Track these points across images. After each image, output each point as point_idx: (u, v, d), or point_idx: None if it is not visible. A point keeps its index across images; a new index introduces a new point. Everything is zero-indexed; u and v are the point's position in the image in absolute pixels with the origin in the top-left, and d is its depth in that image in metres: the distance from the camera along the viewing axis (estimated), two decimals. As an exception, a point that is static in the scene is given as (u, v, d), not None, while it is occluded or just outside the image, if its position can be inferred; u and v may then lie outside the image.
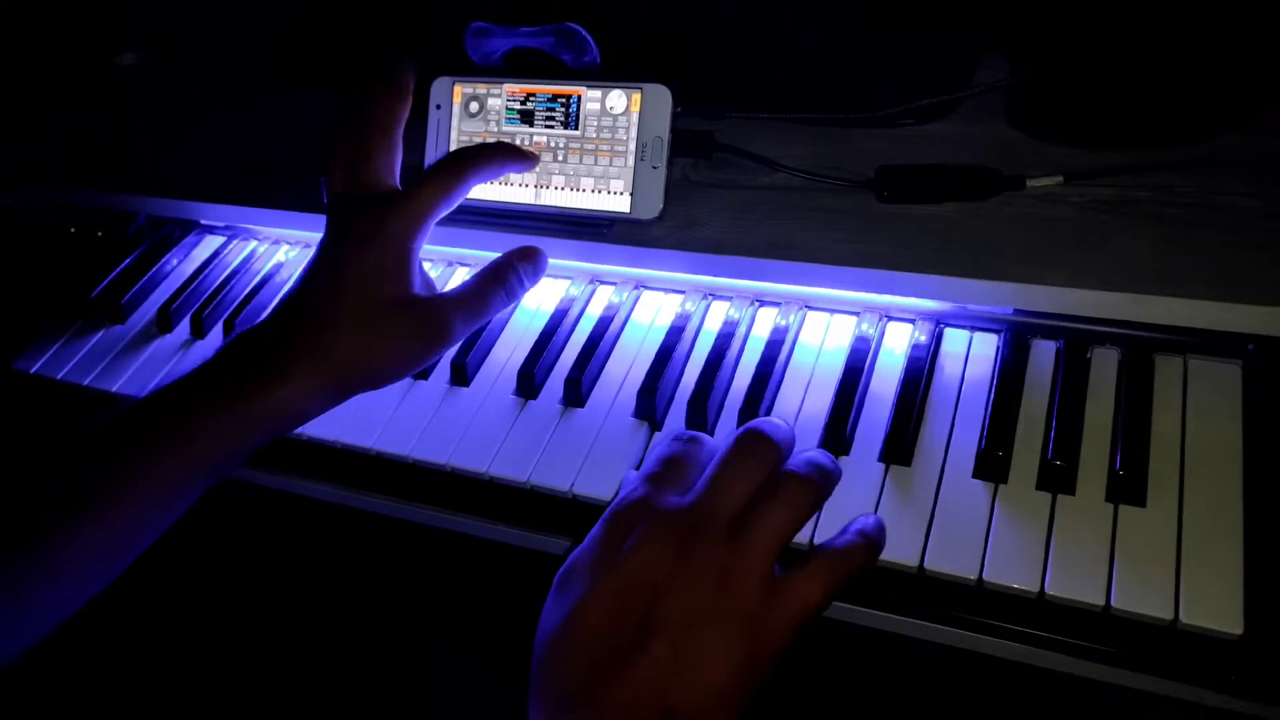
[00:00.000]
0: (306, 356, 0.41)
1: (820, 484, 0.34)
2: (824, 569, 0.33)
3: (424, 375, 0.52)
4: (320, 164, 0.46)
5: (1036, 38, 0.48)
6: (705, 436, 0.37)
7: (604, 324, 0.51)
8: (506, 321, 0.54)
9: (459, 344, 0.51)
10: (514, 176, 0.52)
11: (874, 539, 0.35)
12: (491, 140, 0.52)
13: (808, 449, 0.35)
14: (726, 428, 0.46)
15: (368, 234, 0.43)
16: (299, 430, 0.50)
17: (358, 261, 0.43)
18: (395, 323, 0.43)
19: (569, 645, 0.32)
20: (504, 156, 0.49)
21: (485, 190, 0.52)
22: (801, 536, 0.40)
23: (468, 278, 0.47)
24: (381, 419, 0.50)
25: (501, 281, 0.47)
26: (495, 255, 0.55)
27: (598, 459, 0.46)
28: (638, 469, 0.44)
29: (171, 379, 0.42)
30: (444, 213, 0.46)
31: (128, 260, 0.62)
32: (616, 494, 0.42)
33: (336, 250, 0.44)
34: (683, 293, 0.52)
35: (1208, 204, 0.44)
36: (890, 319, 0.49)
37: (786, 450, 0.35)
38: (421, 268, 0.45)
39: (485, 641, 0.63)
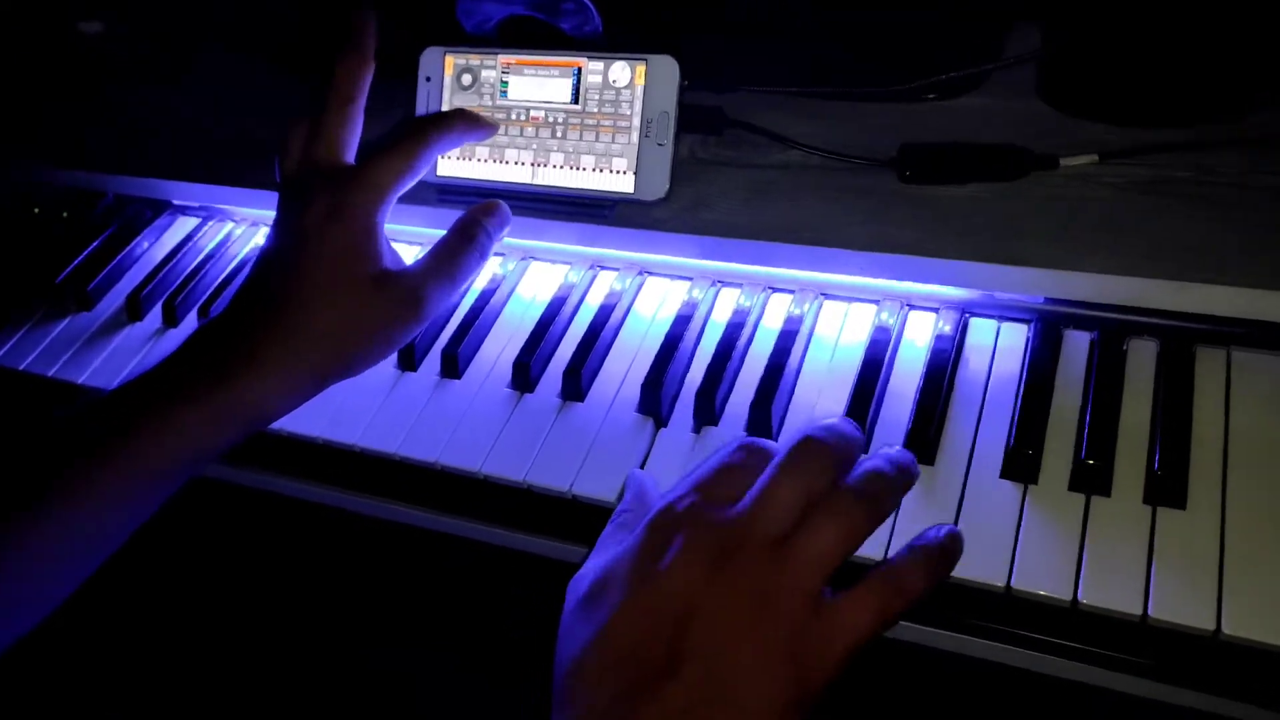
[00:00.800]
0: (276, 344, 0.39)
1: (882, 498, 0.31)
2: (877, 591, 0.30)
3: (412, 366, 0.49)
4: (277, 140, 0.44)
5: (1073, 5, 0.45)
6: (770, 444, 0.34)
7: (605, 312, 0.49)
8: (501, 309, 0.51)
9: (442, 323, 0.50)
10: (510, 154, 0.49)
11: (936, 556, 0.31)
12: (484, 112, 0.49)
13: (884, 449, 0.32)
14: (735, 424, 0.44)
15: (329, 211, 0.41)
16: (278, 425, 0.47)
17: (321, 240, 0.41)
18: (367, 301, 0.41)
19: (596, 665, 0.30)
20: (465, 124, 0.48)
21: (479, 169, 0.50)
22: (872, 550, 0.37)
23: (435, 243, 0.45)
24: (367, 414, 0.47)
25: (470, 239, 0.45)
26: None
27: (599, 457, 0.43)
28: (642, 467, 0.42)
29: (140, 372, 0.39)
30: (408, 185, 0.44)
31: (95, 243, 0.59)
32: (621, 496, 0.40)
33: (297, 229, 0.41)
34: (690, 279, 0.50)
35: (1251, 184, 0.42)
36: (912, 308, 0.47)
37: (848, 455, 0.32)
38: (389, 243, 0.43)
39: (474, 644, 0.61)
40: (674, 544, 0.31)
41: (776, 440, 0.43)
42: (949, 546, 0.32)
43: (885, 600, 0.30)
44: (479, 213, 0.46)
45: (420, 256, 0.44)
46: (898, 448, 0.33)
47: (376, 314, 0.41)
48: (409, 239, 0.56)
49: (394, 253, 0.44)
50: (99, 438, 0.37)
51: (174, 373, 0.39)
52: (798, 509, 0.31)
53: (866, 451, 0.37)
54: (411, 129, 0.45)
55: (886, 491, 0.31)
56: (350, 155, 0.44)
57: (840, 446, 0.32)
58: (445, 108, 0.50)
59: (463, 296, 0.52)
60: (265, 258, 0.42)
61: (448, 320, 0.51)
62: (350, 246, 0.41)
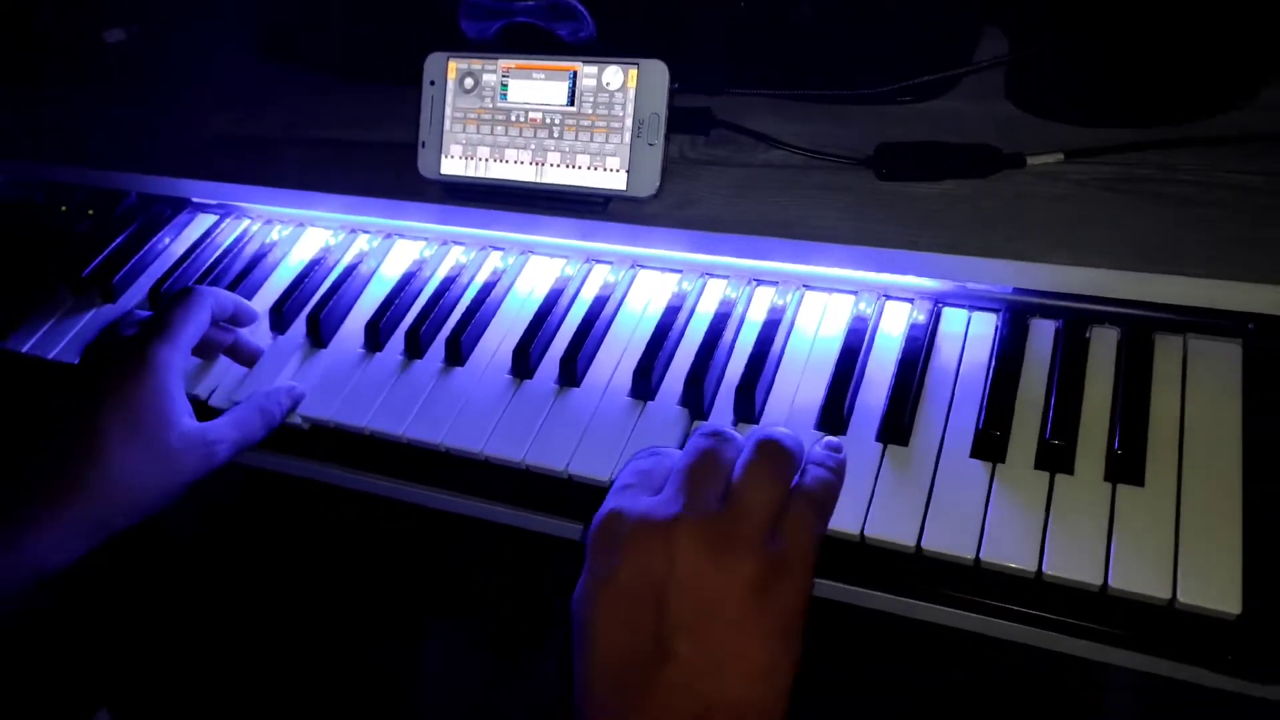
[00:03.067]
0: (59, 501, 0.39)
1: (790, 445, 0.35)
2: (806, 498, 0.34)
3: (419, 354, 0.51)
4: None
5: (1038, 13, 0.47)
6: (671, 450, 0.37)
7: (600, 303, 0.51)
8: (501, 301, 0.53)
9: (447, 313, 0.52)
10: (510, 153, 0.51)
11: (830, 457, 0.37)
12: (486, 115, 0.51)
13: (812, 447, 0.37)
14: (723, 407, 0.46)
15: (124, 362, 0.42)
16: (297, 410, 0.49)
17: (116, 392, 0.41)
18: (165, 459, 0.41)
19: (593, 679, 0.31)
20: (239, 301, 0.51)
21: (481, 169, 0.52)
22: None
23: (236, 405, 0.47)
24: (376, 398, 0.49)
25: (265, 412, 0.47)
26: (490, 234, 0.55)
27: (594, 439, 0.45)
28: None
29: None
30: (195, 339, 0.46)
31: (119, 239, 0.61)
32: (613, 481, 0.42)
33: (95, 384, 0.42)
34: (680, 271, 0.52)
35: (1210, 182, 0.44)
36: (888, 298, 0.48)
37: (742, 444, 0.35)
38: (181, 393, 0.44)
39: (481, 619, 0.63)
40: (617, 547, 0.32)
41: (760, 423, 0.45)
42: (831, 450, 0.38)
43: (813, 500, 0.34)
44: (280, 395, 0.48)
45: (219, 417, 0.45)
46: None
47: (167, 470, 0.41)
48: (415, 235, 0.58)
49: (184, 402, 0.44)
50: None
51: None
52: (720, 475, 0.33)
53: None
54: (191, 291, 0.46)
55: (790, 440, 0.35)
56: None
57: (734, 435, 0.36)
58: (448, 110, 0.52)
59: (461, 293, 0.54)
60: (54, 408, 0.42)
61: (451, 312, 0.53)
62: (146, 401, 0.41)
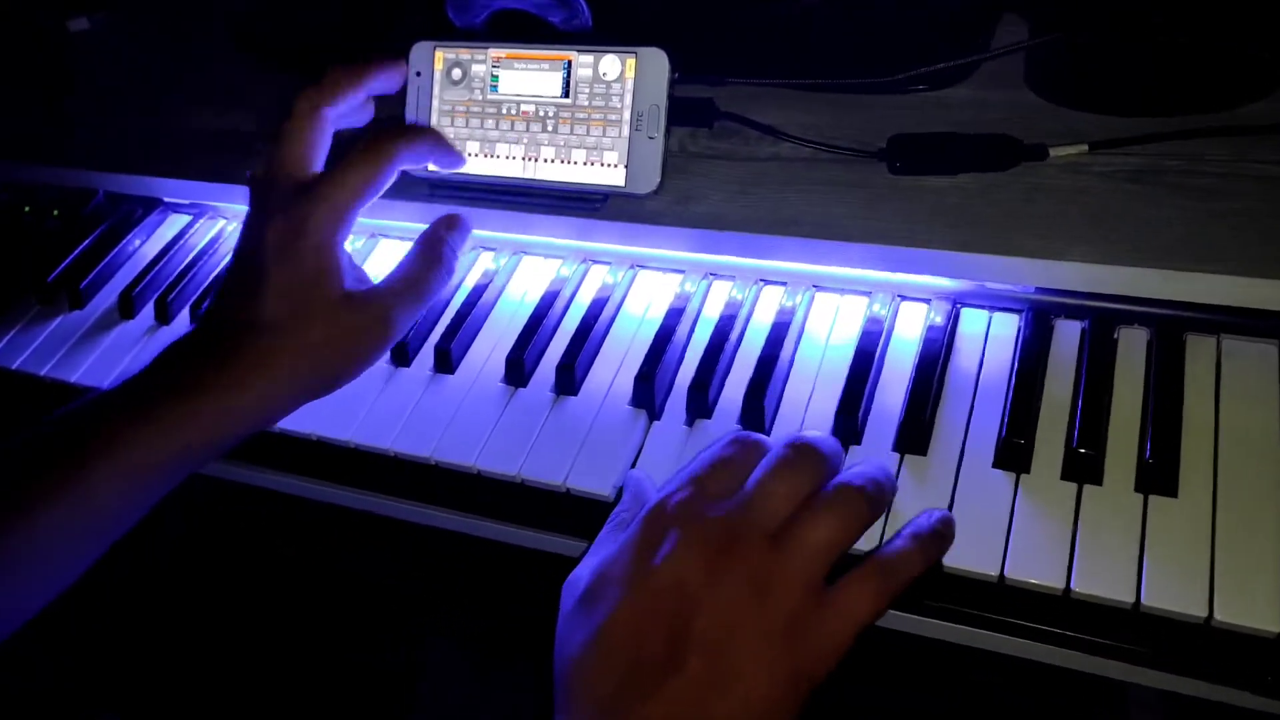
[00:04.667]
0: (248, 368, 0.39)
1: (875, 497, 0.32)
2: (874, 576, 0.31)
3: (405, 362, 0.49)
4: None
5: (1060, -4, 0.45)
6: (763, 439, 0.35)
7: (598, 306, 0.49)
8: (493, 304, 0.51)
9: (435, 318, 0.50)
10: (501, 148, 0.49)
11: (928, 539, 0.33)
12: (476, 108, 0.49)
13: (861, 463, 0.34)
14: (728, 417, 0.44)
15: (291, 232, 0.41)
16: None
17: (283, 259, 0.40)
18: (334, 322, 0.41)
19: (597, 663, 0.30)
20: (433, 142, 0.47)
21: (471, 164, 0.50)
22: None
23: (400, 261, 0.44)
24: (360, 410, 0.47)
25: (437, 259, 0.45)
26: (481, 233, 0.53)
27: (593, 450, 0.43)
28: (634, 466, 0.42)
29: (126, 376, 0.39)
30: (370, 200, 0.43)
31: (86, 241, 0.59)
32: (620, 492, 0.40)
33: (258, 247, 0.41)
34: (682, 272, 0.50)
35: (1241, 173, 0.42)
36: (904, 299, 0.47)
37: (837, 460, 0.34)
38: (350, 259, 0.43)
39: (474, 635, 0.62)
40: (669, 538, 0.31)
41: (770, 434, 0.43)
42: (941, 530, 0.34)
43: (882, 584, 0.31)
44: (441, 228, 0.46)
45: (388, 275, 0.43)
46: (882, 464, 0.34)
47: (345, 335, 0.41)
48: (399, 234, 0.56)
49: (356, 268, 0.43)
50: (76, 449, 0.36)
51: (138, 398, 0.38)
52: (794, 502, 0.32)
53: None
54: (377, 140, 0.43)
55: (878, 491, 0.33)
56: (317, 164, 0.44)
57: (831, 451, 0.33)
58: (435, 103, 0.50)
59: (454, 292, 0.52)
60: (231, 275, 0.42)
61: (440, 315, 0.51)
62: (313, 267, 0.40)
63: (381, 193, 0.44)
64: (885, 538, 0.36)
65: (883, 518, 0.37)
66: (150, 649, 0.68)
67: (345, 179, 0.42)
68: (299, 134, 0.43)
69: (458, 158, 0.48)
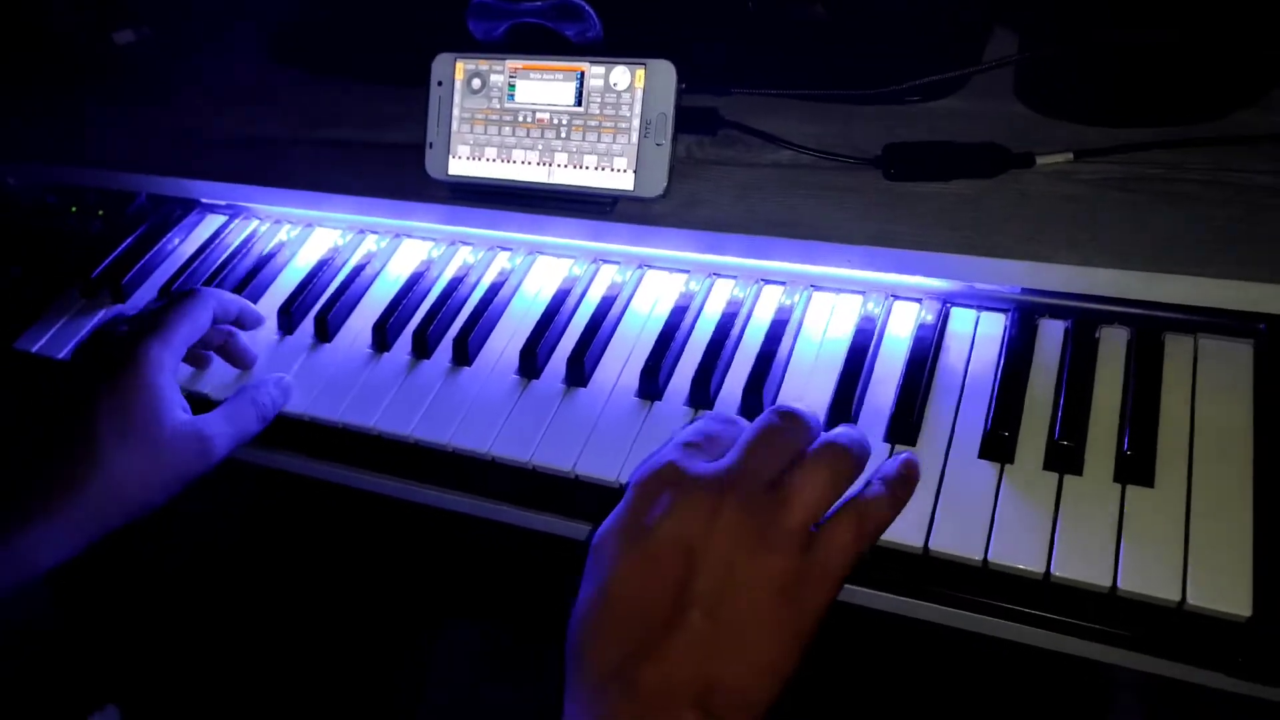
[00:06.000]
0: (54, 499, 0.39)
1: (858, 454, 0.34)
2: (854, 517, 0.32)
3: (426, 354, 0.51)
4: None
5: (1048, 12, 0.47)
6: (744, 420, 0.36)
7: (607, 303, 0.50)
8: (509, 301, 0.53)
9: (454, 313, 0.52)
10: (518, 154, 0.51)
11: (896, 480, 0.34)
12: (494, 115, 0.51)
13: (840, 427, 0.35)
14: (729, 408, 0.45)
15: (120, 361, 0.42)
16: (299, 409, 0.49)
17: (109, 394, 0.41)
18: (157, 453, 0.41)
19: (599, 625, 0.31)
20: (244, 304, 0.51)
21: (489, 169, 0.52)
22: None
23: (229, 399, 0.47)
24: (383, 398, 0.49)
25: (256, 404, 0.47)
26: (498, 234, 0.55)
27: (601, 439, 0.45)
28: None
29: None
30: (192, 339, 0.46)
31: (129, 240, 0.61)
32: (620, 483, 0.42)
33: (86, 381, 0.42)
34: (687, 272, 0.52)
35: (1220, 181, 0.43)
36: (896, 298, 0.48)
37: (815, 427, 0.35)
38: (174, 389, 0.44)
39: (489, 619, 0.63)
40: (663, 498, 0.32)
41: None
42: (905, 473, 0.35)
43: (862, 524, 0.32)
44: (270, 387, 0.48)
45: (211, 411, 0.45)
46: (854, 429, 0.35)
47: (163, 464, 0.41)
48: (423, 235, 0.58)
49: (180, 397, 0.44)
50: None
51: None
52: (780, 462, 0.33)
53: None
54: (194, 293, 0.47)
55: (860, 449, 0.34)
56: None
57: (809, 417, 0.34)
58: (456, 111, 0.52)
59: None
60: (47, 404, 0.43)
61: (459, 311, 0.53)
62: (136, 396, 0.41)
63: (201, 334, 0.46)
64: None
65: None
66: (152, 640, 0.68)
67: (168, 315, 0.44)
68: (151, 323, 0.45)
69: (259, 321, 0.52)
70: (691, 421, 0.44)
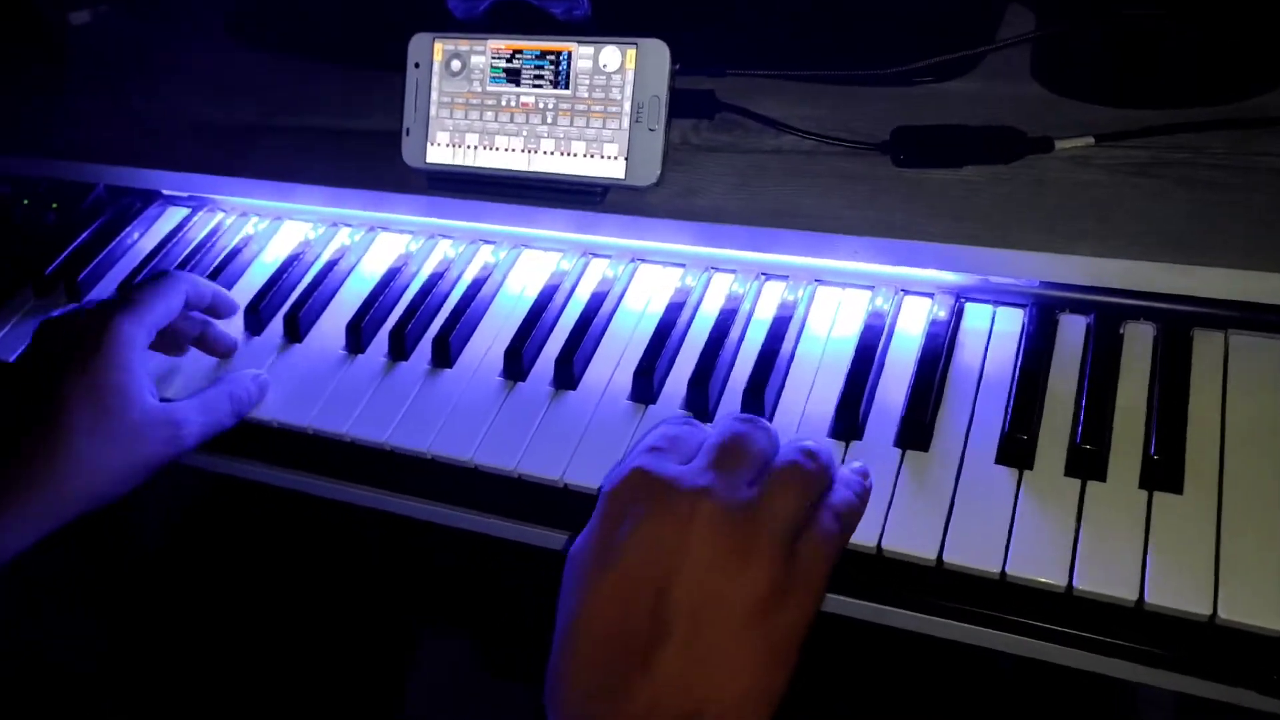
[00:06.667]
0: (18, 484, 0.38)
1: (824, 461, 0.34)
2: (832, 516, 0.33)
3: (403, 355, 0.49)
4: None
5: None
6: (701, 425, 0.36)
7: (597, 300, 0.48)
8: (492, 298, 0.51)
9: (434, 311, 0.50)
10: (500, 140, 0.49)
11: (854, 477, 0.36)
12: (475, 100, 0.49)
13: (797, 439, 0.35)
14: (730, 410, 0.43)
15: (90, 337, 0.41)
16: (267, 414, 0.47)
17: (78, 371, 0.40)
18: (127, 436, 0.40)
19: (576, 653, 0.30)
20: (217, 289, 0.49)
21: (469, 156, 0.50)
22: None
23: (203, 391, 0.45)
24: (357, 402, 0.47)
25: (231, 397, 0.46)
26: (480, 226, 0.53)
27: (591, 445, 0.43)
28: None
29: None
30: (162, 322, 0.45)
31: (85, 234, 0.59)
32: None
33: (54, 358, 0.41)
34: (683, 266, 0.50)
35: (1248, 166, 0.42)
36: (907, 293, 0.46)
37: (776, 439, 0.35)
38: (145, 371, 0.43)
39: (468, 631, 0.62)
40: (632, 511, 0.31)
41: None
42: (861, 471, 0.37)
43: (839, 524, 0.33)
44: (247, 380, 0.47)
45: (186, 399, 0.44)
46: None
47: (132, 449, 0.40)
48: (400, 228, 0.56)
49: (150, 384, 0.43)
50: None
51: None
52: (752, 469, 0.32)
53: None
54: (166, 274, 0.46)
55: (825, 455, 0.34)
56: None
57: (770, 426, 0.35)
58: (435, 94, 0.50)
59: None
60: (12, 386, 0.42)
61: (439, 309, 0.50)
62: (107, 376, 0.40)
63: (173, 317, 0.45)
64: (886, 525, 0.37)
65: None
66: (146, 642, 0.68)
67: (140, 294, 0.43)
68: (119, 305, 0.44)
69: (232, 309, 0.50)
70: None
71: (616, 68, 0.46)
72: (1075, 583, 0.35)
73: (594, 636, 0.29)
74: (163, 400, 0.43)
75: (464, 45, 0.49)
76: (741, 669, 0.29)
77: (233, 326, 0.52)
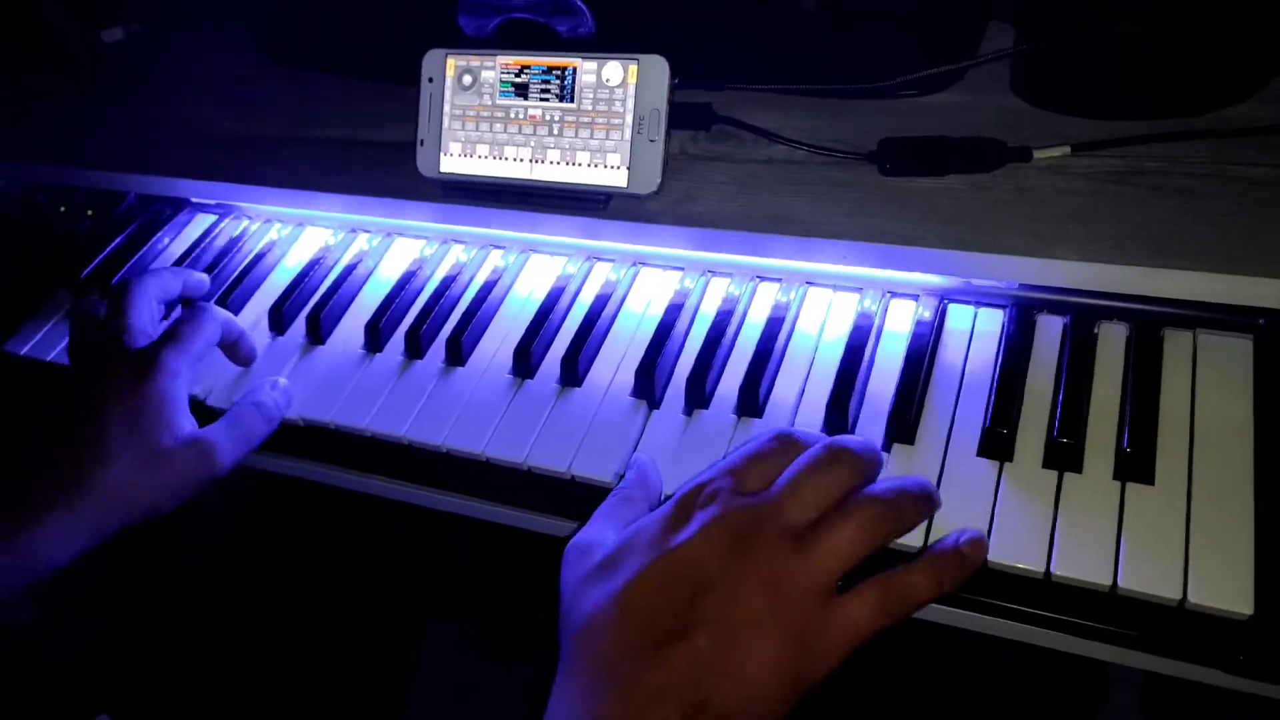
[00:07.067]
0: (61, 500, 0.40)
1: (905, 512, 0.33)
2: (881, 593, 0.32)
3: (419, 355, 0.51)
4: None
5: (1044, 4, 0.46)
6: (804, 437, 0.35)
7: (601, 302, 0.50)
8: (502, 300, 0.53)
9: (447, 313, 0.52)
10: (510, 150, 0.51)
11: (947, 563, 0.33)
12: (485, 112, 0.51)
13: (914, 477, 0.34)
14: (725, 407, 0.45)
15: (142, 368, 0.43)
16: (292, 412, 0.49)
17: (124, 398, 0.42)
18: (166, 461, 0.42)
19: (612, 622, 0.31)
20: (242, 330, 0.51)
21: (480, 166, 0.52)
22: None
23: (230, 410, 0.47)
24: (376, 399, 0.49)
25: (261, 409, 0.47)
26: (490, 232, 0.55)
27: (596, 439, 0.45)
28: (635, 449, 0.44)
29: None
30: (204, 355, 0.47)
31: (118, 239, 0.61)
32: (623, 475, 0.42)
33: (100, 384, 0.43)
34: (682, 269, 0.51)
35: (1219, 174, 0.43)
36: (893, 295, 0.48)
37: (873, 467, 0.34)
38: (185, 401, 0.45)
39: (478, 619, 0.62)
40: (695, 519, 0.32)
41: (762, 424, 0.44)
42: (965, 552, 0.33)
43: (887, 603, 0.32)
44: (269, 389, 0.48)
45: (216, 421, 0.46)
46: (924, 479, 0.34)
47: (173, 475, 0.42)
48: (415, 234, 0.57)
49: (187, 412, 0.45)
50: None
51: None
52: (821, 504, 0.32)
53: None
54: (204, 308, 0.48)
55: (910, 508, 0.33)
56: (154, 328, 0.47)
57: (867, 455, 0.34)
58: (448, 107, 0.52)
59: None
60: (58, 405, 0.43)
61: (452, 310, 0.52)
62: (151, 411, 0.42)
63: (212, 346, 0.48)
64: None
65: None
66: (139, 647, 0.68)
67: (186, 328, 0.46)
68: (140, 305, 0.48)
69: (250, 356, 0.51)
70: (734, 434, 0.44)
71: (619, 82, 0.48)
72: (1053, 569, 0.37)
73: (636, 608, 0.31)
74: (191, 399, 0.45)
75: (475, 61, 0.51)
76: (754, 683, 0.30)
77: (257, 330, 0.54)
